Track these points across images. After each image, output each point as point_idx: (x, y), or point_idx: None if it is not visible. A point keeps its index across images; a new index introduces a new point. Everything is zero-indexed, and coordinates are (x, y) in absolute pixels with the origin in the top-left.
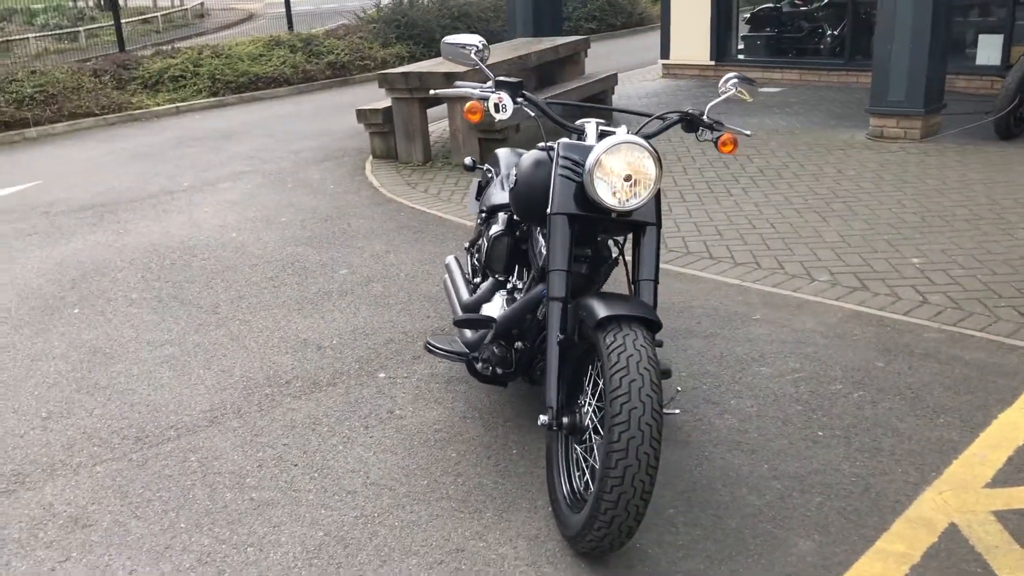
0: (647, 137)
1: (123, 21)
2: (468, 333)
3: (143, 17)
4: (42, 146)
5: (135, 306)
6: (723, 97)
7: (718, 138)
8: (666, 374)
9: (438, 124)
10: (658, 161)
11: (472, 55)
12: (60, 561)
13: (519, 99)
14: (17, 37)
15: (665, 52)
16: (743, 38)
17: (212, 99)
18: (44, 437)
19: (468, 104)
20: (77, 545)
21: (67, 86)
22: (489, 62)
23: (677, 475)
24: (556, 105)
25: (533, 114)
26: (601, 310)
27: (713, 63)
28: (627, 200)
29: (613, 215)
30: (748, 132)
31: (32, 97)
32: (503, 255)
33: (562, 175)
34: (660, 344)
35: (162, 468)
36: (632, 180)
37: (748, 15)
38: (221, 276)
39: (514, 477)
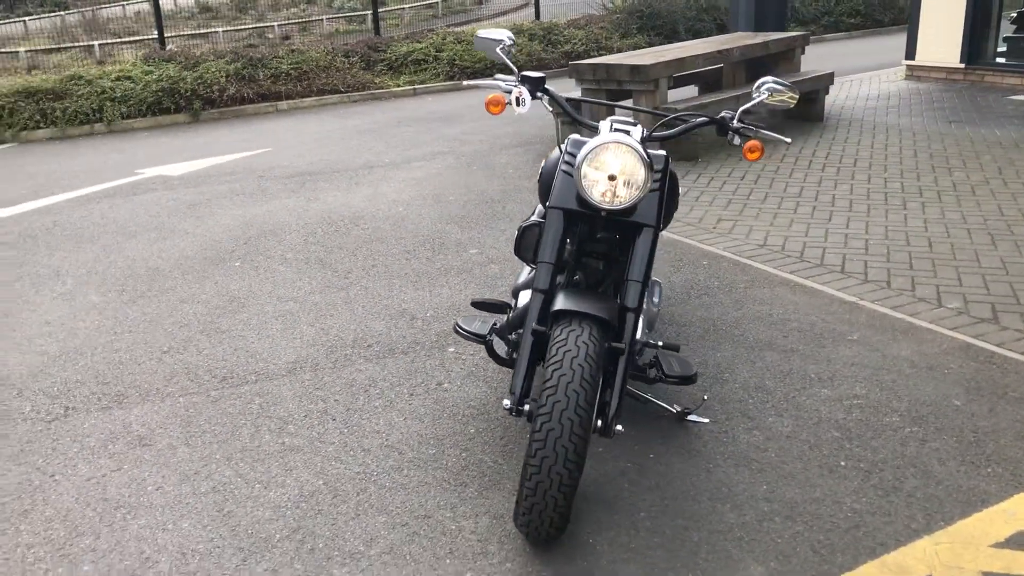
0: (664, 138)
1: (408, 6)
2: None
3: (427, 3)
4: (288, 118)
5: (284, 264)
6: (755, 102)
7: (744, 144)
8: (688, 380)
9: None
10: (645, 161)
11: (497, 49)
12: (112, 471)
13: (539, 94)
14: (314, 18)
15: (910, 52)
16: (1006, 39)
17: (448, 83)
18: (155, 367)
19: (490, 96)
20: (131, 460)
21: (320, 65)
22: (693, 53)
23: (669, 481)
24: (581, 102)
25: (551, 109)
26: (559, 303)
27: (963, 66)
28: (615, 199)
29: (603, 213)
30: (788, 140)
31: (287, 73)
32: (530, 244)
33: (564, 170)
34: (677, 348)
35: (228, 406)
36: (617, 179)
37: (1015, 14)
38: (368, 246)
39: (514, 459)
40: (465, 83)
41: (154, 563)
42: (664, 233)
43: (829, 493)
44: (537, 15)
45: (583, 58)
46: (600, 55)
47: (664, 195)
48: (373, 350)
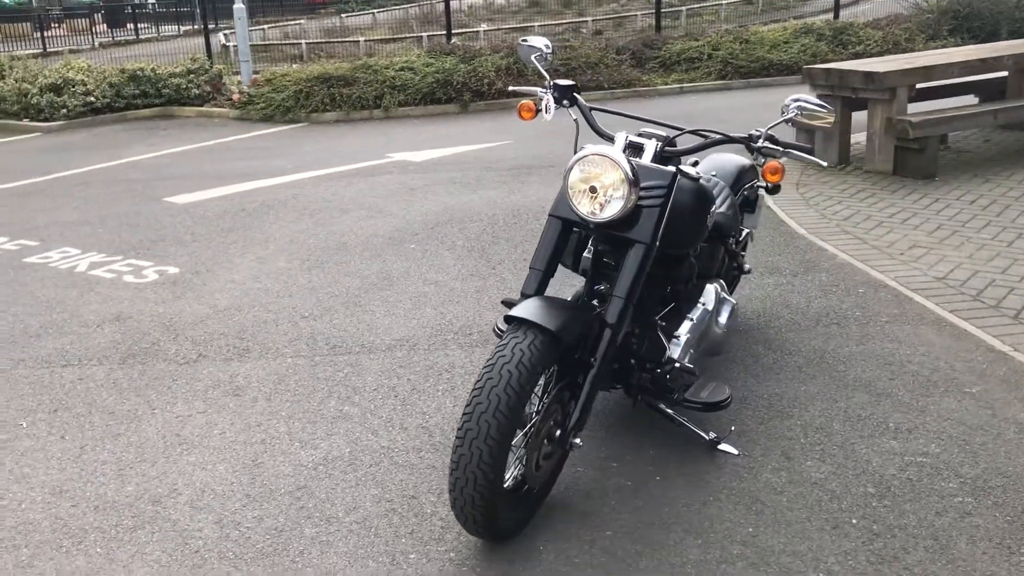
0: (679, 154)
1: (725, 1)
2: None
3: None
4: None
5: (450, 251)
6: (782, 120)
7: (764, 164)
8: (713, 407)
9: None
10: (626, 174)
11: (533, 57)
12: (198, 412)
13: (565, 102)
14: (630, 13)
15: None
16: None
17: (718, 82)
18: (287, 330)
19: (522, 102)
20: (217, 406)
21: (588, 61)
22: (948, 61)
23: (655, 506)
24: (612, 115)
25: (575, 117)
26: (513, 309)
27: None
28: (600, 211)
29: (591, 225)
30: (824, 163)
31: (554, 69)
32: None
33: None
34: (694, 373)
35: (320, 372)
36: (598, 192)
37: None
38: (533, 240)
39: None
40: (509, 88)
41: (178, 494)
42: (838, 254)
43: (815, 549)
44: (836, 14)
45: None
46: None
47: (665, 212)
48: (471, 338)
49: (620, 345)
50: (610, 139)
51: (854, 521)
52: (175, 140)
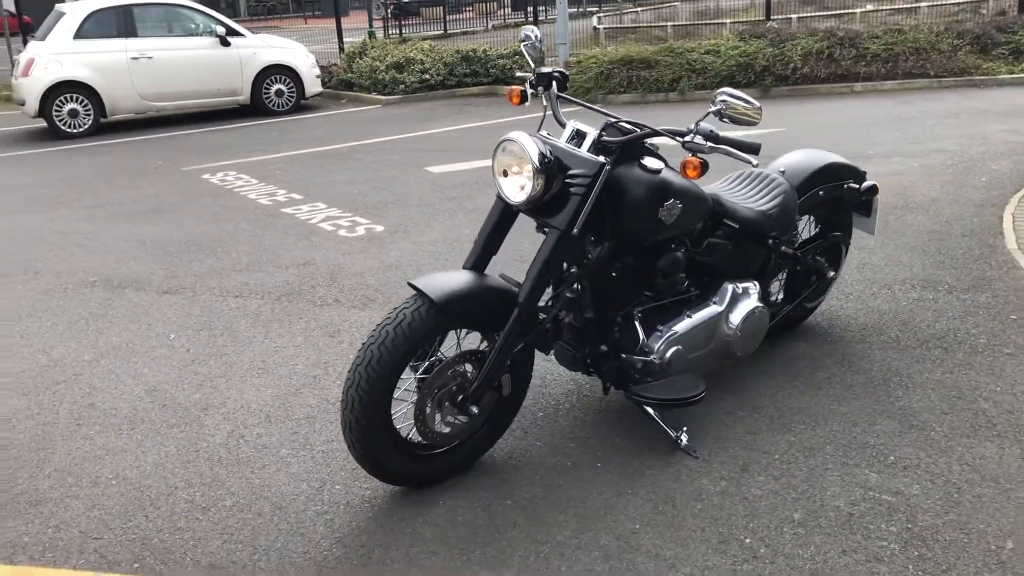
0: (615, 144)
1: None
2: None
3: None
4: (856, 100)
5: None
6: (706, 115)
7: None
8: (669, 403)
9: None
10: (531, 161)
11: (522, 46)
12: (294, 345)
13: (539, 89)
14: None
15: None
16: None
17: None
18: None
19: (509, 88)
20: (308, 342)
21: (916, 47)
22: None
23: (572, 488)
24: (585, 107)
25: (546, 104)
26: (415, 279)
27: None
28: (518, 194)
29: (516, 207)
30: (754, 161)
31: (876, 54)
32: None
33: None
34: (665, 369)
35: None
36: (510, 176)
37: None
38: None
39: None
40: (517, 74)
41: (222, 406)
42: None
43: (679, 557)
44: None
45: None
46: None
47: (587, 201)
48: None
49: (595, 332)
50: (562, 125)
51: (747, 541)
52: (477, 116)
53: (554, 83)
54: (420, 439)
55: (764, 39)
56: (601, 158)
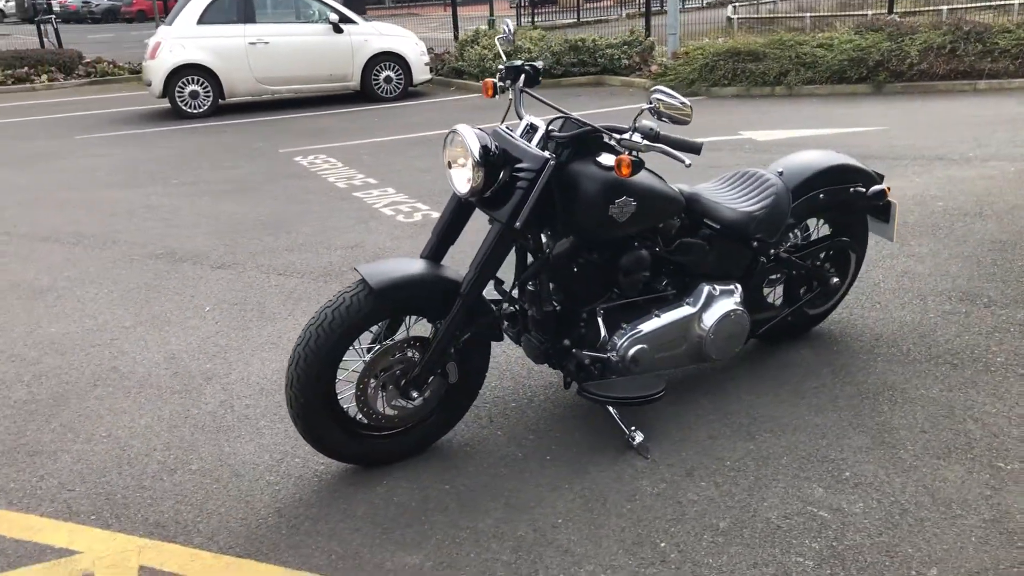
0: (565, 139)
1: None
2: None
3: None
4: (977, 98)
5: None
6: (640, 112)
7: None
8: (621, 401)
9: None
10: (471, 153)
11: (496, 39)
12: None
13: (507, 82)
14: None
15: None
16: None
17: None
18: None
19: (484, 80)
20: None
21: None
22: None
23: (512, 479)
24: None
25: (511, 98)
26: (360, 265)
27: None
28: (463, 186)
29: (462, 199)
30: (687, 162)
31: (1006, 50)
32: None
33: None
34: (623, 366)
35: None
36: (456, 167)
37: None
38: None
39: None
40: (499, 66)
41: (225, 377)
42: None
43: (587, 555)
44: None
45: None
46: None
47: (530, 195)
48: None
49: (556, 325)
50: (521, 118)
51: (662, 545)
52: (575, 106)
53: (522, 77)
54: (366, 420)
55: (882, 32)
56: (546, 153)
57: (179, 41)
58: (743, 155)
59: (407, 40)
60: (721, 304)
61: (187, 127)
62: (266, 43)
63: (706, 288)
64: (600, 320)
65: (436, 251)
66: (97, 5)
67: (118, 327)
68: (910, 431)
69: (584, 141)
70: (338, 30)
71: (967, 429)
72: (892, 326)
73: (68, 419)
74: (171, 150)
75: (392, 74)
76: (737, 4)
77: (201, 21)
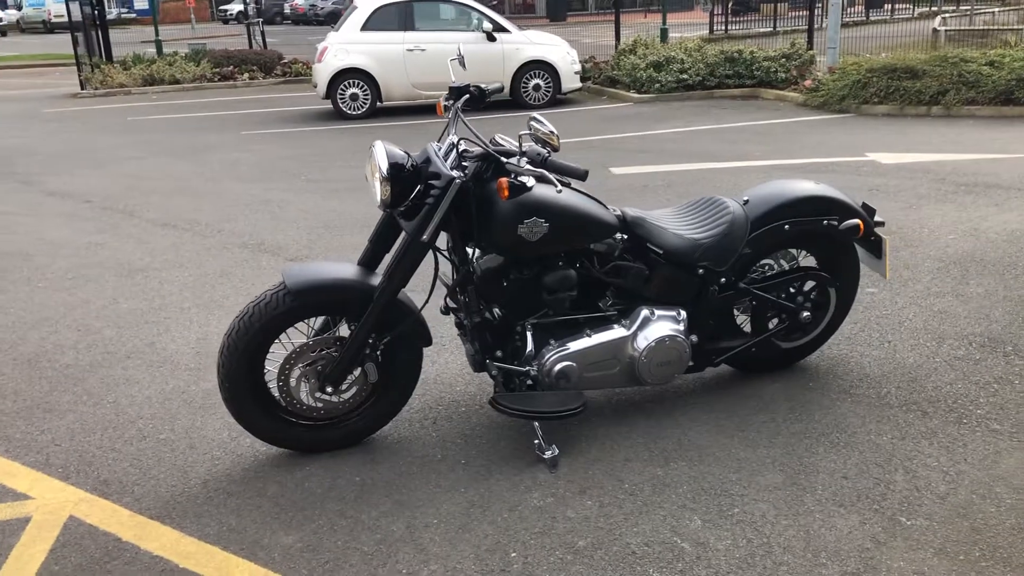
0: (466, 155)
1: None
2: None
3: None
4: None
5: None
6: (523, 134)
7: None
8: (531, 414)
9: None
10: (379, 168)
11: (449, 61)
12: None
13: (449, 102)
14: None
15: None
16: None
17: None
18: None
19: (438, 101)
20: None
21: None
22: None
23: (407, 477)
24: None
25: (448, 117)
26: (286, 264)
27: None
28: (376, 199)
29: (380, 209)
30: (559, 187)
31: None
32: None
33: None
34: (542, 382)
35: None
36: (371, 180)
37: None
38: None
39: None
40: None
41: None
42: None
43: (463, 569)
44: None
45: None
46: None
47: (435, 211)
48: None
49: (483, 337)
50: (447, 138)
51: (512, 555)
52: (717, 119)
53: (463, 98)
54: (288, 408)
55: None
56: (454, 172)
57: (343, 46)
58: (855, 178)
59: (558, 49)
60: (656, 328)
61: (343, 127)
62: (423, 50)
63: (643, 311)
64: (529, 334)
65: (370, 258)
66: (322, 8)
67: (177, 308)
68: (831, 476)
69: (497, 162)
70: (491, 39)
71: (892, 480)
72: (886, 367)
73: (91, 385)
74: (315, 149)
75: (541, 82)
76: (948, 15)
77: (365, 28)
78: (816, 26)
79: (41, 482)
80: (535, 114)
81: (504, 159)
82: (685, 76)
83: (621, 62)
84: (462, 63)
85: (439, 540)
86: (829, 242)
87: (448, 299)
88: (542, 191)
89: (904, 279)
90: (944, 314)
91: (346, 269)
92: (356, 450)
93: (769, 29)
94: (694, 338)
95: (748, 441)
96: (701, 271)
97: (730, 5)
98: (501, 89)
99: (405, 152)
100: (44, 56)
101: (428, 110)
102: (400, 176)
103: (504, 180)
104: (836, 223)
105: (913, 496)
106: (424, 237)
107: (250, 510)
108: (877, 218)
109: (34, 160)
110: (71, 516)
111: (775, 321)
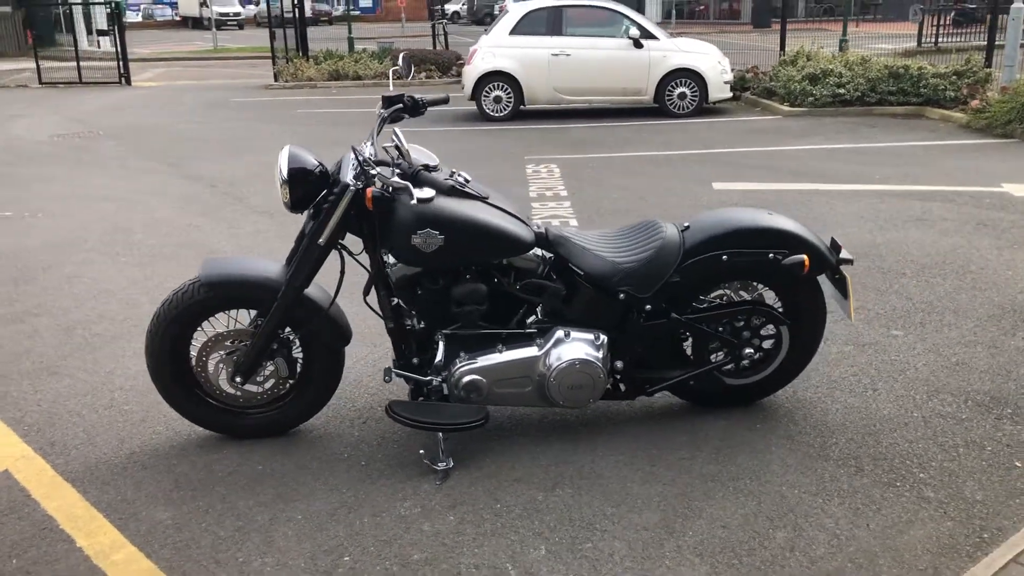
0: (365, 163)
1: None
2: None
3: None
4: None
5: None
6: (385, 147)
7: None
8: (421, 424)
9: None
10: (284, 172)
11: (390, 70)
12: None
13: (381, 111)
14: None
15: None
16: None
17: None
18: None
19: None
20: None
21: None
22: None
23: (307, 474)
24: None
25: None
26: (207, 257)
27: None
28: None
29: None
30: (415, 201)
31: None
32: None
33: None
34: (449, 394)
35: None
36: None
37: None
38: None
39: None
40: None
41: None
42: None
43: (287, 562)
44: None
45: None
46: None
47: (331, 217)
48: None
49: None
50: (370, 146)
51: (345, 559)
52: (863, 137)
53: (393, 108)
54: (207, 393)
55: None
56: (350, 180)
57: (491, 50)
58: (972, 210)
59: (707, 57)
60: (569, 350)
61: (482, 128)
62: (567, 55)
63: (558, 332)
64: (440, 344)
65: (294, 256)
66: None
67: None
68: (710, 523)
69: (366, 172)
70: (638, 45)
71: (771, 536)
72: (851, 417)
73: (102, 355)
74: (451, 147)
75: (687, 90)
76: None
77: (513, 32)
78: (1000, 41)
79: (4, 437)
80: (395, 128)
81: (374, 169)
82: (842, 91)
83: (779, 73)
84: (405, 72)
85: (291, 536)
86: (788, 277)
87: (366, 301)
88: (441, 203)
89: (944, 323)
90: (960, 366)
91: (264, 266)
92: (275, 440)
93: (982, 43)
94: (619, 364)
95: (649, 477)
96: (622, 296)
97: (952, 16)
98: (446, 100)
99: (316, 159)
100: (265, 49)
101: (569, 114)
102: (304, 180)
103: (370, 190)
104: (782, 257)
105: (781, 556)
106: (320, 240)
107: (149, 483)
108: (845, 255)
109: (191, 145)
110: (5, 470)
111: (720, 355)
